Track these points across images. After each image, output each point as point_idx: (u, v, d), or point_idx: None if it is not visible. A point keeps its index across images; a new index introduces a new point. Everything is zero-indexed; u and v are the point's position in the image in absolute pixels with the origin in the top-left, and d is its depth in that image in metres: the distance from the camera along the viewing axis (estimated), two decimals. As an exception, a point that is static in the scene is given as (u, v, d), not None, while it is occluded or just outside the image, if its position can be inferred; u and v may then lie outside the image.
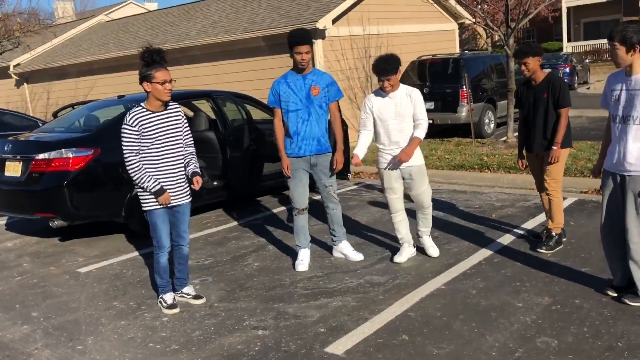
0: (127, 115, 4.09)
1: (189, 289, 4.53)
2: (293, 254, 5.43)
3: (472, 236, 5.63)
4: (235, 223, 6.83)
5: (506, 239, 5.46)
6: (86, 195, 5.99)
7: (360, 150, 4.81)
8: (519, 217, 6.19)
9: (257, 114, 8.08)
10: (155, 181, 4.08)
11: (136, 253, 5.89)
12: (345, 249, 5.23)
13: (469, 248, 5.28)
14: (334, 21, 11.85)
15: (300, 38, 4.74)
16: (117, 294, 4.77)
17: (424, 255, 5.18)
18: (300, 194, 4.99)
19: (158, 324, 4.13)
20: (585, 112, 14.78)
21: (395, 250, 5.30)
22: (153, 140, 4.06)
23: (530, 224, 5.88)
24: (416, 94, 4.81)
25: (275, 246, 5.81)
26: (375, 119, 4.84)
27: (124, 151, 4.06)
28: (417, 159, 4.88)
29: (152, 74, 4.02)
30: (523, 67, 4.98)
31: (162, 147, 4.10)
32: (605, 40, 28.47)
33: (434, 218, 6.32)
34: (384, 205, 7.03)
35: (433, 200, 7.14)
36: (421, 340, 3.62)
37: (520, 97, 5.20)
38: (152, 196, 4.12)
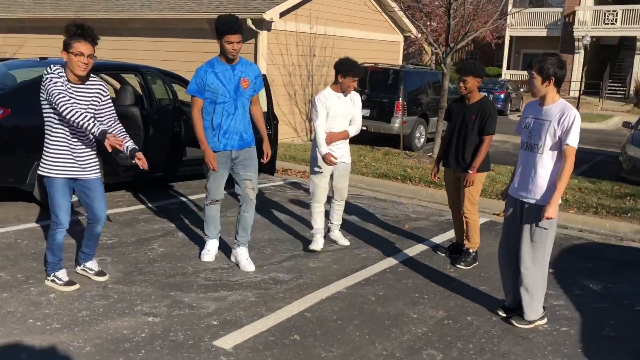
0: (50, 67, 3.85)
1: (92, 264, 4.34)
2: (201, 243, 5.32)
3: (382, 244, 5.70)
4: (148, 205, 6.63)
5: (414, 251, 5.57)
6: (-11, 156, 5.63)
7: (325, 146, 5.12)
8: (431, 230, 6.33)
9: (186, 96, 7.87)
10: (96, 123, 3.79)
11: (36, 224, 5.59)
12: (240, 256, 4.83)
13: (377, 255, 5.34)
14: (282, 15, 11.77)
15: (232, 26, 4.38)
16: (6, 264, 4.50)
17: (333, 257, 5.19)
18: (217, 186, 4.80)
19: (44, 299, 3.92)
20: (512, 139, 15.38)
21: (306, 253, 5.29)
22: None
23: (439, 238, 6.02)
24: (358, 97, 5.37)
25: (184, 233, 5.67)
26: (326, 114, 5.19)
27: (55, 95, 3.73)
28: (348, 157, 5.43)
29: (71, 43, 3.81)
30: (461, 84, 5.04)
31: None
32: (540, 73, 29.76)
33: (350, 222, 6.39)
34: (305, 205, 7.03)
35: (353, 205, 7.24)
36: (312, 341, 3.61)
37: (450, 111, 5.30)
38: (53, 163, 3.91)
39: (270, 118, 7.17)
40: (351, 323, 3.91)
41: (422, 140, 13.11)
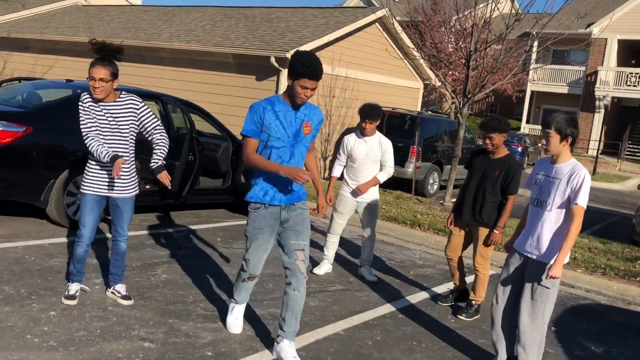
0: (81, 97, 4.15)
1: (121, 287, 4.47)
2: (204, 272, 5.36)
3: (385, 289, 5.69)
4: (156, 230, 6.70)
5: (416, 298, 5.54)
6: (7, 171, 5.77)
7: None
8: (436, 278, 6.31)
9: (204, 126, 8.05)
10: (108, 150, 4.03)
11: (46, 241, 5.68)
12: (286, 354, 3.76)
13: (378, 300, 5.33)
14: (305, 55, 12.02)
15: (314, 70, 3.53)
16: (11, 279, 4.57)
17: (334, 298, 5.19)
18: (259, 259, 3.93)
19: (43, 317, 3.97)
20: (527, 193, 15.33)
21: (307, 291, 5.31)
22: (95, 127, 4.09)
23: (443, 287, 5.99)
24: (387, 142, 5.76)
25: (189, 261, 5.71)
26: (347, 157, 5.80)
27: (81, 126, 4.09)
28: (372, 195, 5.84)
29: (89, 68, 4.02)
30: (487, 141, 4.99)
31: (103, 137, 4.08)
32: (559, 129, 29.77)
33: (353, 264, 6.39)
34: (313, 243, 7.06)
35: (359, 247, 7.25)
36: (304, 381, 3.60)
37: (472, 162, 5.24)
38: (86, 179, 4.18)
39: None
40: (345, 366, 3.89)
41: (435, 187, 13.14)
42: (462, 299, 5.48)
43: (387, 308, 5.14)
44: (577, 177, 3.73)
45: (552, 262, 3.74)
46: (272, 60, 11.51)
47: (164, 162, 4.32)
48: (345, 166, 5.92)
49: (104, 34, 14.87)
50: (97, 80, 4.00)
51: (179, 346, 3.82)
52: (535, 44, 18.39)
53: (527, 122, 31.21)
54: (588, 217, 12.73)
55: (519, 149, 22.38)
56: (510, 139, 22.79)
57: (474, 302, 5.25)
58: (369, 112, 5.59)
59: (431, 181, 12.94)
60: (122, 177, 4.22)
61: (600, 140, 25.63)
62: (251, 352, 3.89)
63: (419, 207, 10.17)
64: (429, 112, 15.92)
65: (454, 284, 5.49)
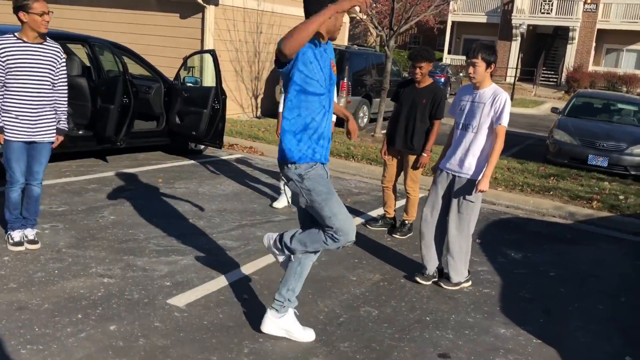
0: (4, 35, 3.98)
1: (30, 232, 4.41)
2: (150, 211, 5.51)
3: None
4: (96, 175, 6.70)
5: (355, 222, 5.93)
6: None
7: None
8: (370, 204, 6.73)
9: (133, 69, 7.92)
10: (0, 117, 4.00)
11: (-17, 191, 5.60)
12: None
13: (321, 226, 5.67)
14: (229, -10, 11.80)
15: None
16: (-44, 230, 4.56)
17: (279, 227, 5.49)
18: (349, 217, 3.27)
19: (-2, 262, 4.04)
20: (450, 121, 16.02)
21: (253, 222, 5.58)
22: (20, 69, 3.98)
23: (377, 212, 6.42)
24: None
25: (132, 202, 5.81)
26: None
27: None
28: None
29: (30, 4, 3.93)
30: (417, 70, 5.28)
31: (27, 78, 4.02)
32: (480, 59, 30.79)
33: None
34: (251, 178, 7.28)
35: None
36: (260, 300, 3.92)
37: (398, 94, 5.56)
38: (10, 127, 4.04)
39: (219, 93, 7.33)
40: (296, 285, 4.23)
41: (366, 120, 13.52)
42: (388, 224, 5.91)
43: (329, 233, 5.50)
44: (499, 100, 4.14)
45: (480, 177, 4.17)
46: (197, -4, 11.23)
47: (63, 128, 4.32)
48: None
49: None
50: (48, 14, 3.96)
51: (138, 279, 4.02)
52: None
53: (449, 52, 32.03)
54: (507, 140, 13.55)
55: (442, 79, 23.09)
56: (433, 69, 23.42)
57: (406, 221, 5.71)
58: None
59: (361, 114, 13.29)
60: (44, 121, 4.19)
61: (517, 68, 26.78)
62: (207, 279, 4.15)
63: (352, 140, 10.51)
64: (356, 46, 16.09)
65: (385, 211, 5.90)
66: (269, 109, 13.74)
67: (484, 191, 4.14)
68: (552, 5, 28.76)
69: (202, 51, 7.89)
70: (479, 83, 4.23)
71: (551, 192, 7.75)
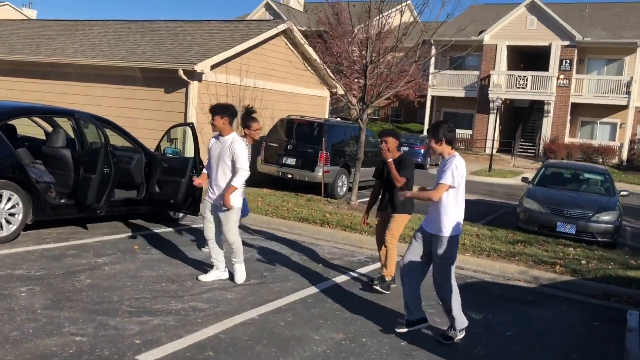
0: None
1: None
2: (125, 276, 5.73)
3: (296, 280, 6.29)
4: (76, 242, 6.94)
5: (323, 285, 6.18)
6: None
7: None
8: (341, 269, 6.99)
9: (116, 140, 8.32)
10: None
11: (-36, 257, 5.81)
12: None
13: (290, 289, 5.92)
14: (213, 67, 12.46)
15: None
16: (-64, 292, 4.75)
17: (249, 290, 5.72)
18: None
19: (-26, 323, 4.23)
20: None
21: (224, 286, 5.80)
22: None
23: (344, 277, 6.66)
24: (238, 143, 5.68)
25: (109, 267, 6.04)
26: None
27: None
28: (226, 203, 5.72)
29: None
30: (383, 145, 6.12)
31: None
32: (459, 130, 31.88)
33: (269, 261, 6.94)
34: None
35: (274, 245, 7.81)
36: (224, 357, 4.11)
37: (379, 170, 6.41)
38: None
39: (197, 164, 7.71)
40: (260, 343, 4.44)
41: (344, 188, 13.93)
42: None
43: (298, 295, 5.73)
44: (447, 164, 4.76)
45: (454, 234, 4.73)
46: (180, 72, 11.84)
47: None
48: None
49: (1, 50, 14.54)
50: None
51: (109, 337, 4.22)
52: (433, 50, 19.84)
53: (429, 125, 33.05)
54: (482, 209, 13.99)
55: (422, 150, 23.82)
56: (413, 141, 24.21)
57: (386, 277, 6.17)
58: (213, 107, 5.79)
59: (340, 183, 13.71)
60: None
61: (495, 140, 27.71)
62: (176, 337, 4.35)
63: (328, 208, 10.88)
64: (338, 119, 16.78)
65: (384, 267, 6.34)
66: (251, 179, 14.09)
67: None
68: (527, 81, 30.11)
69: (182, 124, 8.35)
70: (442, 155, 4.89)
71: (517, 257, 8.06)
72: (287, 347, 4.43)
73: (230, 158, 5.62)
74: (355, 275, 6.75)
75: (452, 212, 4.74)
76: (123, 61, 12.65)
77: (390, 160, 6.06)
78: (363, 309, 5.56)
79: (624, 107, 29.09)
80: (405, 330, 4.90)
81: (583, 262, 8.03)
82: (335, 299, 5.78)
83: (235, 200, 5.76)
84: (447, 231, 4.72)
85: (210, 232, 5.93)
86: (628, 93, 28.58)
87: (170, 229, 8.17)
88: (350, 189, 13.98)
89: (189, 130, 10.92)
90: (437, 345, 4.78)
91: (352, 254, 7.84)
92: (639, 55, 29.09)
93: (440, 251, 4.74)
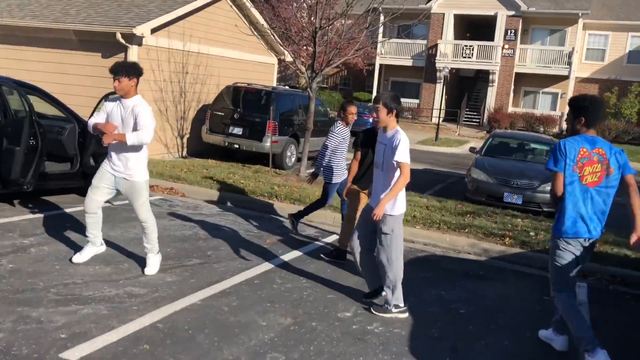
0: None
1: None
2: (54, 259, 5.25)
3: (242, 259, 5.95)
4: (0, 220, 6.35)
5: (270, 264, 5.87)
6: None
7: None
8: (290, 245, 6.69)
9: (46, 109, 7.66)
10: None
11: None
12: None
13: (235, 269, 5.58)
14: (154, 31, 11.73)
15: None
16: None
17: (191, 271, 5.35)
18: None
19: None
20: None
21: (164, 267, 5.41)
22: None
23: (295, 254, 6.39)
24: (142, 106, 4.97)
25: (36, 249, 5.53)
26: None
27: None
28: (134, 175, 5.02)
29: None
30: (375, 114, 5.69)
31: None
32: (406, 99, 31.92)
33: (212, 238, 6.57)
34: (170, 221, 7.11)
35: (219, 221, 7.43)
36: (161, 350, 3.77)
37: (363, 140, 5.92)
38: None
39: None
40: (202, 332, 4.11)
41: (293, 159, 13.59)
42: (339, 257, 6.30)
43: (244, 276, 5.41)
44: (396, 140, 4.52)
45: (396, 213, 4.61)
46: (118, 36, 11.09)
47: None
48: None
49: None
50: None
51: (30, 332, 3.79)
52: (382, 18, 19.54)
53: (378, 93, 32.94)
54: (430, 178, 13.97)
55: (370, 120, 23.65)
56: (362, 110, 23.99)
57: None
58: (114, 66, 4.99)
59: (289, 154, 13.35)
60: None
61: (441, 109, 27.83)
62: (107, 329, 3.96)
63: (277, 180, 10.53)
64: (286, 87, 16.29)
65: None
66: (195, 149, 13.60)
67: (378, 216, 4.51)
68: (472, 50, 30.26)
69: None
70: (385, 126, 4.61)
71: (467, 230, 7.97)
72: (231, 335, 4.12)
73: (134, 122, 4.90)
74: (305, 251, 6.48)
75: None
76: (55, 23, 11.73)
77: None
78: (313, 289, 5.30)
79: (565, 78, 29.70)
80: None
81: (532, 233, 8.03)
82: (284, 278, 5.49)
83: (143, 171, 5.08)
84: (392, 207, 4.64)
85: (93, 204, 5.09)
86: (569, 64, 29.16)
87: (107, 204, 7.64)
88: (299, 160, 13.67)
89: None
90: (391, 328, 4.57)
91: (301, 229, 7.55)
92: (580, 26, 29.64)
93: (384, 230, 4.65)
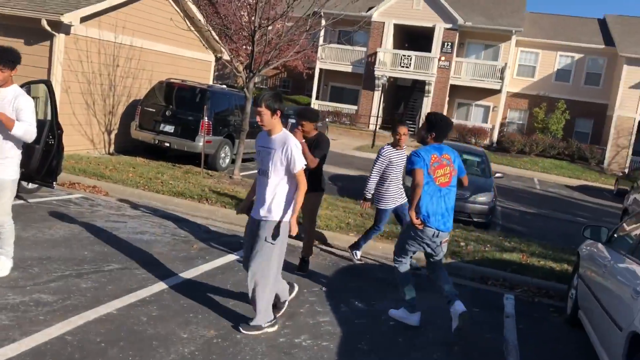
0: None
1: None
2: (-45, 261, 4.76)
3: (165, 265, 5.63)
4: None
5: (197, 271, 5.58)
6: None
7: None
8: (219, 251, 6.41)
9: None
10: None
11: None
12: None
13: (158, 276, 5.26)
14: (83, 20, 11.12)
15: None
16: None
17: (109, 277, 4.99)
18: None
19: None
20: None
21: (79, 272, 5.02)
22: None
23: (223, 260, 6.12)
24: (23, 97, 4.50)
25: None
26: None
27: None
28: (1, 171, 4.53)
29: None
30: (300, 128, 5.72)
31: None
32: (345, 105, 32.08)
33: (141, 241, 6.20)
34: (86, 221, 6.67)
35: (144, 223, 7.04)
36: (67, 366, 3.43)
37: None
38: None
39: (54, 127, 6.71)
40: (116, 345, 3.79)
41: (227, 160, 13.24)
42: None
43: (167, 283, 5.10)
44: (288, 147, 4.20)
45: (286, 219, 4.26)
46: (44, 23, 10.42)
47: None
48: None
49: None
50: None
51: None
52: (323, 22, 19.51)
53: (317, 98, 32.94)
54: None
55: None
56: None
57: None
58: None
59: (223, 155, 12.99)
60: None
61: (379, 116, 28.14)
62: (7, 342, 3.58)
63: (208, 182, 10.18)
64: (224, 86, 15.89)
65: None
66: (124, 145, 13.00)
67: (291, 231, 4.27)
68: (410, 60, 30.77)
69: (35, 81, 7.23)
70: (270, 129, 4.28)
71: (390, 238, 7.94)
72: (148, 348, 3.82)
73: (14, 115, 4.44)
74: (235, 257, 6.22)
75: (284, 197, 4.32)
76: (-27, 4, 10.90)
77: (302, 141, 5.60)
78: (240, 298, 5.05)
79: (498, 92, 30.71)
80: None
81: (462, 243, 8.09)
82: (210, 286, 5.21)
83: (13, 170, 4.59)
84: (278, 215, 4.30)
85: None
86: (502, 78, 30.17)
87: (22, 202, 7.09)
88: (233, 162, 13.33)
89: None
90: (319, 341, 4.40)
91: (232, 234, 7.27)
92: (514, 43, 30.77)
93: (268, 239, 4.25)
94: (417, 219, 4.79)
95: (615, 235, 5.22)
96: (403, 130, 6.71)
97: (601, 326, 4.27)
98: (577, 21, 33.87)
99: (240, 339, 4.20)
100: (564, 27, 32.76)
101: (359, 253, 7.01)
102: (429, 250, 4.98)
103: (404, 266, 5.14)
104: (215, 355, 3.89)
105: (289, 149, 4.19)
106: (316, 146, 5.82)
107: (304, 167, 4.28)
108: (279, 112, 4.23)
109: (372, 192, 6.79)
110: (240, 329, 4.31)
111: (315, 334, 4.50)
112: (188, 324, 4.33)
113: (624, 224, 5.36)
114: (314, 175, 5.80)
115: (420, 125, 31.14)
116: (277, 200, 4.26)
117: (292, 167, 4.21)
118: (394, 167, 6.74)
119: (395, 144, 6.75)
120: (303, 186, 4.26)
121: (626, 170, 24.40)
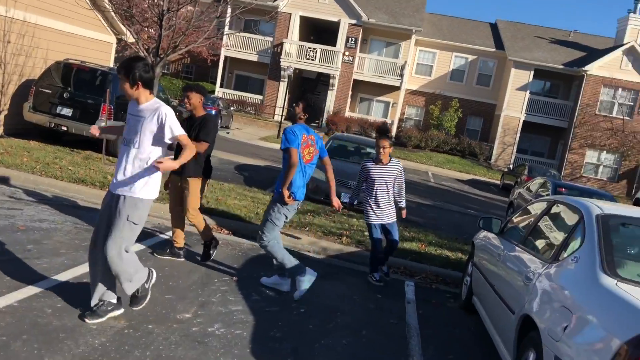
0: None
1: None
2: None
3: (69, 254, 5.39)
4: None
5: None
6: None
7: None
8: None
9: None
10: None
11: None
12: None
13: (61, 266, 5.03)
14: (-31, -11, 10.25)
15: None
16: None
17: (6, 269, 4.71)
18: None
19: None
20: (218, 154, 16.06)
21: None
22: None
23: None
24: None
25: None
26: None
27: None
28: None
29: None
30: (186, 100, 5.66)
31: None
32: (250, 94, 31.89)
33: (34, 230, 5.88)
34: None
35: (43, 212, 6.66)
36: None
37: (187, 126, 5.71)
38: None
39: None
40: (19, 338, 3.61)
41: (128, 147, 12.78)
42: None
43: (71, 273, 4.88)
44: (161, 114, 3.93)
45: (153, 197, 4.03)
46: None
47: None
48: None
49: None
50: None
51: None
52: (229, 10, 19.25)
53: (221, 86, 32.48)
54: (272, 176, 14.00)
55: (213, 111, 23.18)
56: (205, 101, 23.44)
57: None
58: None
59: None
60: None
61: (284, 107, 28.25)
62: None
63: (110, 168, 9.80)
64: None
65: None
66: (14, 127, 12.14)
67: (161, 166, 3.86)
68: (316, 53, 31.15)
69: None
70: (137, 99, 4.01)
71: (307, 228, 8.11)
72: (55, 341, 3.67)
73: None
74: (142, 247, 6.07)
75: (153, 169, 4.00)
76: None
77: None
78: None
79: (397, 88, 31.87)
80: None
81: (366, 233, 8.40)
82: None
83: None
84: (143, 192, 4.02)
85: None
86: (401, 75, 31.32)
87: None
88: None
89: None
90: (233, 329, 4.44)
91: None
92: (413, 42, 32.04)
93: (130, 218, 3.96)
94: (289, 196, 5.24)
95: (508, 226, 5.69)
96: (383, 142, 6.18)
97: (495, 310, 4.66)
98: (472, 24, 35.88)
99: (152, 329, 4.14)
100: (460, 29, 34.58)
101: (377, 274, 6.45)
102: (287, 220, 5.49)
103: (274, 241, 5.43)
104: (127, 346, 3.82)
105: (162, 117, 3.91)
106: (202, 127, 5.67)
107: (182, 134, 4.01)
108: (140, 84, 3.91)
109: (356, 200, 6.90)
110: (86, 319, 4.01)
111: (228, 323, 4.53)
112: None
113: (515, 216, 5.84)
114: (202, 158, 5.75)
115: (322, 116, 31.75)
116: (145, 173, 3.96)
117: (175, 134, 3.94)
118: (372, 182, 6.32)
119: (378, 160, 6.32)
120: (190, 150, 4.03)
121: (511, 166, 26.28)
